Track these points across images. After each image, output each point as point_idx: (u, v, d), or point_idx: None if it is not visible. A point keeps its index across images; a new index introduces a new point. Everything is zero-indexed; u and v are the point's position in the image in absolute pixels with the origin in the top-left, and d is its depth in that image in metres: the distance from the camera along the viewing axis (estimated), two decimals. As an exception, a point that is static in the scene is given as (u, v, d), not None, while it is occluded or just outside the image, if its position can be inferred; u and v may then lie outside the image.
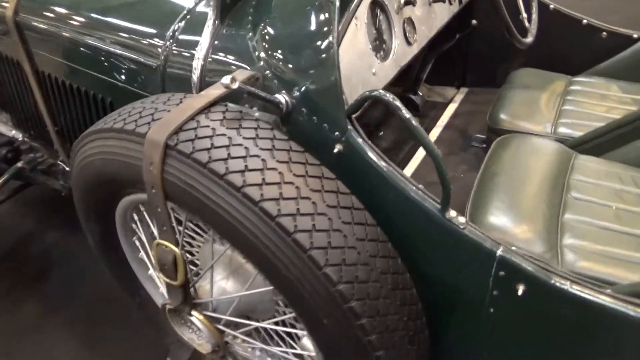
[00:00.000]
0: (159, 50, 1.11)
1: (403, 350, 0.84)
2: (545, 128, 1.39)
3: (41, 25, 1.40)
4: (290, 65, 0.91)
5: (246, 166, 0.77)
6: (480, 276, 0.83)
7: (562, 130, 1.37)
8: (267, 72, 0.93)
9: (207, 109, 0.85)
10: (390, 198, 0.86)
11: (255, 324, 1.00)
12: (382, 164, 0.85)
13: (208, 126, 0.81)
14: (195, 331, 1.04)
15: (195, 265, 1.14)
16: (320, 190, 0.79)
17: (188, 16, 1.10)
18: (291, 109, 0.89)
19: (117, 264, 1.21)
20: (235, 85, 0.82)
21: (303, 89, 0.88)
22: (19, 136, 1.92)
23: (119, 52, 1.18)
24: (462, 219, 0.83)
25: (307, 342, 1.02)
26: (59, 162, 1.82)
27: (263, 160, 0.78)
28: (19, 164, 1.86)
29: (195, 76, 1.03)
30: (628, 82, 1.54)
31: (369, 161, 0.85)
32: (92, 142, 0.94)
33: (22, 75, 1.61)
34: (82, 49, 1.31)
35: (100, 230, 1.13)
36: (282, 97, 0.88)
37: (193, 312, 0.97)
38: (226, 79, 0.81)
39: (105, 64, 1.26)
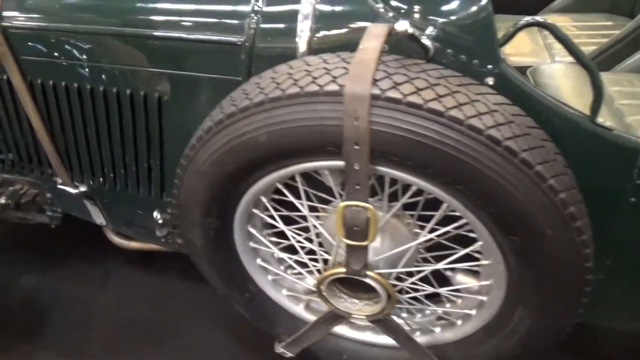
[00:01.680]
0: (244, 26, 1.02)
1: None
2: (547, 59, 1.54)
3: (46, 25, 1.21)
4: (430, 10, 0.91)
5: (458, 102, 0.77)
6: (625, 169, 0.93)
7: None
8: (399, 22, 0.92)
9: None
10: (544, 118, 0.91)
11: (430, 267, 0.99)
12: (531, 88, 0.90)
13: (397, 73, 0.79)
14: (360, 296, 1.01)
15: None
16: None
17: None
18: (434, 54, 0.90)
19: (227, 259, 1.11)
20: (410, 30, 0.80)
21: (449, 30, 0.89)
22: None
23: (186, 36, 1.07)
24: (609, 123, 0.91)
25: (462, 277, 1.04)
26: (51, 187, 1.58)
27: (465, 94, 0.79)
28: (2, 200, 1.58)
29: (302, 45, 0.98)
30: (582, 14, 1.76)
31: (522, 87, 0.90)
32: (240, 122, 0.85)
33: (7, 91, 1.36)
34: (119, 42, 1.16)
35: (218, 225, 1.03)
36: (428, 42, 0.89)
37: (368, 273, 0.94)
38: (402, 25, 0.80)
39: (158, 54, 1.14)
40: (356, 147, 0.78)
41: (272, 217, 1.04)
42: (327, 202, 1.03)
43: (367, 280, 0.94)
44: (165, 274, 1.93)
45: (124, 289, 1.90)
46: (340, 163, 0.82)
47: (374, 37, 0.83)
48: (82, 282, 1.90)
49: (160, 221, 1.42)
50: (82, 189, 1.49)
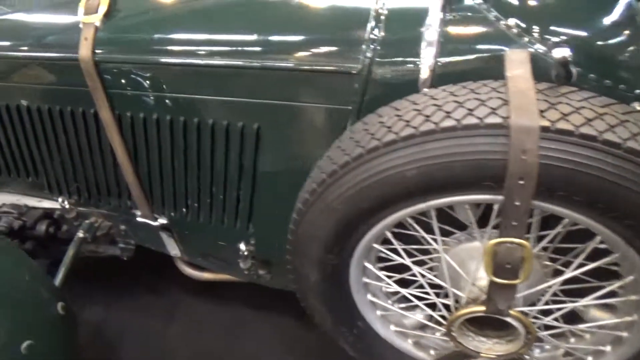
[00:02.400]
0: (359, 54, 0.98)
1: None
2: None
3: (140, 58, 1.17)
4: (570, 33, 0.86)
5: (631, 133, 0.71)
6: None
7: None
8: (537, 47, 0.87)
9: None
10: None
11: (576, 304, 0.93)
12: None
13: (560, 102, 0.74)
14: (487, 333, 0.95)
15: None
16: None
17: (383, 15, 0.98)
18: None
19: (339, 295, 1.05)
20: (569, 57, 0.75)
21: (593, 54, 0.84)
22: (58, 204, 1.59)
23: (294, 66, 1.03)
24: None
25: (598, 312, 0.97)
26: (126, 220, 1.54)
27: (635, 123, 0.74)
28: (80, 235, 1.53)
29: (424, 73, 0.93)
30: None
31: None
32: (383, 157, 0.80)
33: (92, 125, 1.33)
34: (217, 74, 1.12)
35: (337, 261, 0.98)
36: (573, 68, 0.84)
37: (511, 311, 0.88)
38: (560, 52, 0.75)
39: (261, 85, 1.09)
40: (521, 182, 0.73)
41: (392, 250, 0.98)
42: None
43: (508, 319, 0.88)
44: (234, 304, 1.87)
45: (193, 321, 1.84)
46: (495, 197, 0.77)
47: (518, 64, 0.79)
48: (149, 314, 1.85)
49: (245, 253, 1.37)
50: (162, 221, 1.45)
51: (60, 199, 1.54)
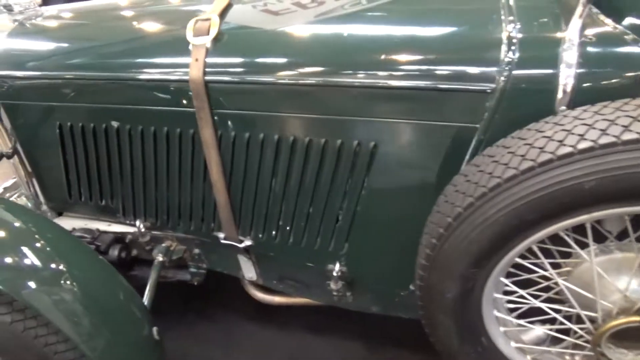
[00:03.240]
0: (494, 74, 1.00)
1: None
2: None
3: (251, 79, 1.17)
4: None
5: None
6: None
7: None
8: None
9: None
10: None
11: None
12: None
13: None
14: (627, 345, 0.95)
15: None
16: None
17: (516, 38, 1.01)
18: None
19: (470, 311, 1.05)
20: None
21: None
22: (131, 227, 1.54)
23: (424, 85, 1.05)
24: None
25: None
26: (201, 243, 1.50)
27: None
28: (159, 258, 1.49)
29: (560, 93, 0.96)
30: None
31: None
32: (557, 170, 0.82)
33: (188, 146, 1.31)
34: (334, 92, 1.13)
35: (479, 277, 0.98)
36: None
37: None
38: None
39: (383, 103, 1.11)
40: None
41: (534, 265, 0.99)
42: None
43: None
44: (298, 329, 1.83)
45: (256, 348, 1.79)
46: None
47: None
48: (208, 342, 1.79)
49: (337, 274, 1.35)
50: (247, 243, 1.42)
51: (137, 222, 1.49)
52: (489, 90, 1.00)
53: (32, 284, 1.06)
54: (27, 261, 1.08)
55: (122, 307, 1.18)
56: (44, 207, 1.64)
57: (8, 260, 1.06)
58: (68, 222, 1.57)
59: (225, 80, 1.18)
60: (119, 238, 1.53)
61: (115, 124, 1.34)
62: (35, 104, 1.40)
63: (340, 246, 1.32)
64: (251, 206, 1.35)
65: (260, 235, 1.39)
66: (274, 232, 1.37)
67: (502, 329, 1.09)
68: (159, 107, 1.28)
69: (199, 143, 1.29)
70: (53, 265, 1.09)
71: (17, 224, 1.13)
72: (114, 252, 1.50)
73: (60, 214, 1.64)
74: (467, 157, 1.08)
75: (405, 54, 1.07)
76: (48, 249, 1.11)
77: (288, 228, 1.35)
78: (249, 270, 1.53)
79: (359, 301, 1.45)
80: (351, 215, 1.26)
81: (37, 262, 1.08)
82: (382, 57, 1.08)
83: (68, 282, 1.08)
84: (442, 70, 1.03)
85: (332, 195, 1.25)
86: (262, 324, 1.84)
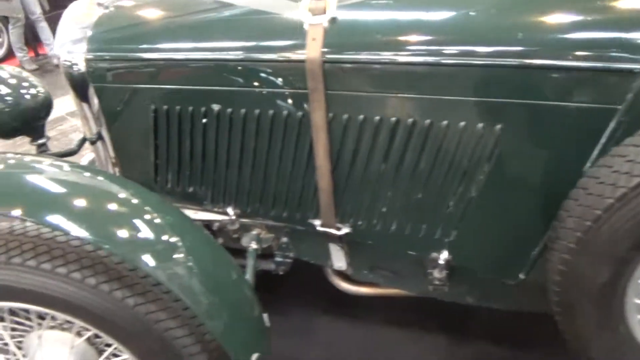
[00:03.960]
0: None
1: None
2: None
3: (374, 59, 1.13)
4: None
5: None
6: None
7: None
8: None
9: None
10: None
11: None
12: None
13: None
14: None
15: None
16: None
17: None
18: None
19: (615, 297, 1.01)
20: None
21: None
22: (219, 215, 1.50)
23: (567, 65, 1.01)
24: None
25: None
26: (292, 231, 1.46)
27: None
28: (253, 246, 1.45)
29: None
30: None
31: None
32: None
33: (293, 129, 1.27)
34: (463, 72, 1.09)
35: (633, 262, 0.94)
36: None
37: None
38: None
39: (518, 83, 1.07)
40: None
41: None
42: None
43: None
44: (373, 320, 1.79)
45: (331, 338, 1.75)
46: None
47: None
48: (282, 333, 1.74)
49: (443, 262, 1.31)
50: (345, 230, 1.38)
51: (229, 209, 1.45)
52: (636, 70, 0.96)
53: (151, 257, 1.02)
54: (144, 234, 1.03)
55: (236, 288, 1.14)
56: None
57: (127, 233, 1.02)
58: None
59: (344, 59, 1.14)
60: (206, 226, 1.49)
61: (216, 107, 1.30)
62: (131, 86, 1.36)
63: (447, 233, 1.28)
64: (356, 192, 1.31)
65: (360, 223, 1.35)
66: (376, 219, 1.33)
67: (638, 317, 1.05)
68: (268, 89, 1.24)
69: (306, 126, 1.25)
70: (171, 239, 1.05)
71: (131, 199, 1.08)
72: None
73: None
74: (604, 140, 1.04)
75: (544, 33, 1.03)
76: (162, 222, 1.07)
77: (393, 215, 1.31)
78: (339, 260, 1.48)
79: (455, 291, 1.41)
80: (465, 202, 1.22)
81: (155, 236, 1.04)
82: (519, 35, 1.04)
83: (185, 257, 1.04)
84: (586, 50, 1.00)
85: (447, 180, 1.21)
86: (338, 315, 1.80)
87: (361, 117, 1.19)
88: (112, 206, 1.05)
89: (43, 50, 5.83)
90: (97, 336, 1.15)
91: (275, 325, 1.80)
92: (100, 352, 1.19)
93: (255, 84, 1.24)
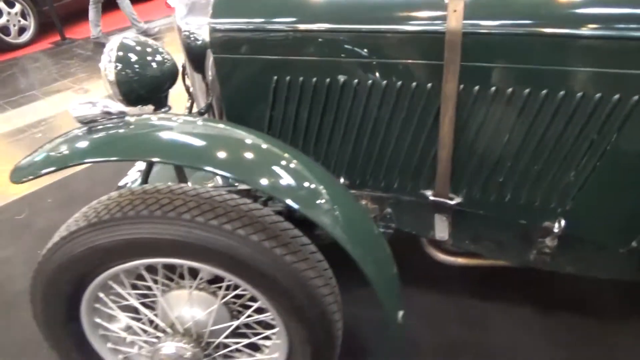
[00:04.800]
0: None
1: None
2: None
3: (514, 29, 1.17)
4: None
5: None
6: None
7: None
8: None
9: None
10: None
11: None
12: None
13: None
14: None
15: None
16: None
17: None
18: None
19: None
20: None
21: None
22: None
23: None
24: None
25: None
26: (397, 202, 1.51)
27: None
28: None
29: None
30: None
31: None
32: None
33: (419, 100, 1.31)
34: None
35: None
36: None
37: None
38: None
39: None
40: None
41: None
42: None
43: None
44: (465, 291, 1.84)
45: (426, 307, 1.80)
46: None
47: None
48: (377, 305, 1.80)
49: (556, 231, 1.36)
50: (458, 200, 1.43)
51: (341, 180, 1.49)
52: None
53: (315, 202, 1.06)
54: (296, 181, 1.07)
55: (379, 242, 1.18)
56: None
57: (293, 179, 1.06)
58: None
59: (483, 31, 1.18)
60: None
61: (342, 77, 1.34)
62: (254, 57, 1.39)
63: (564, 203, 1.33)
64: (475, 162, 1.35)
65: (474, 193, 1.40)
66: (491, 190, 1.38)
67: None
68: (398, 61, 1.27)
69: (434, 97, 1.29)
70: (319, 188, 1.08)
71: (278, 150, 1.12)
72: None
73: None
74: None
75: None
76: (308, 172, 1.10)
77: (509, 185, 1.35)
78: (441, 230, 1.53)
79: (558, 261, 1.46)
80: (587, 172, 1.27)
81: (307, 183, 1.08)
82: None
83: (334, 205, 1.08)
84: None
85: (572, 151, 1.25)
86: (431, 286, 1.85)
87: (493, 89, 1.23)
88: (268, 155, 1.09)
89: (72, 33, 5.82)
90: (237, 297, 1.20)
91: (369, 295, 1.88)
92: (233, 314, 1.24)
93: (386, 55, 1.28)
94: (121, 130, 1.04)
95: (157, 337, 1.24)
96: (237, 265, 1.08)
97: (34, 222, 2.48)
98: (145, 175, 1.48)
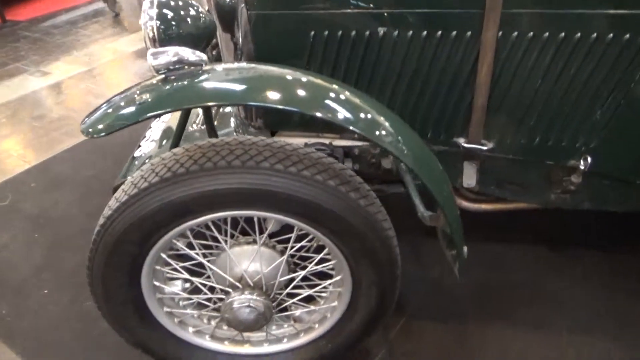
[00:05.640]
0: None
1: None
2: None
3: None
4: None
5: None
6: None
7: None
8: None
9: None
10: None
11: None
12: None
13: None
14: None
15: None
16: None
17: None
18: None
19: None
20: None
21: None
22: (359, 142, 1.58)
23: None
24: None
25: None
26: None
27: None
28: (403, 166, 1.54)
29: None
30: None
31: None
32: None
33: (457, 49, 1.35)
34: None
35: None
36: None
37: None
38: None
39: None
40: None
41: None
42: None
43: None
44: (482, 234, 1.93)
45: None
46: None
47: None
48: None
49: (582, 168, 1.46)
50: (490, 146, 1.50)
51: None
52: None
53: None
54: (368, 113, 1.10)
55: (446, 179, 1.23)
56: (252, 129, 1.62)
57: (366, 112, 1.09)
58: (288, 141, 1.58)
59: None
60: (346, 152, 1.56)
61: (381, 30, 1.36)
62: (291, 12, 1.38)
63: (589, 141, 1.43)
64: (508, 108, 1.42)
65: (506, 137, 1.47)
66: (522, 133, 1.46)
67: None
68: (440, 10, 1.31)
69: (472, 45, 1.34)
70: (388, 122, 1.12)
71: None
72: (348, 165, 1.54)
73: (273, 134, 1.63)
74: None
75: None
76: (369, 106, 1.14)
77: (539, 128, 1.44)
78: (470, 177, 1.60)
79: (577, 198, 1.57)
80: (612, 110, 1.37)
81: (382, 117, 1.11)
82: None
83: (397, 135, 1.12)
84: None
85: (599, 91, 1.35)
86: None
87: (530, 34, 1.30)
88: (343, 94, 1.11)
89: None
90: (297, 250, 1.22)
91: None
92: (290, 267, 1.26)
93: (428, 4, 1.31)
94: (204, 77, 1.02)
95: (225, 293, 1.24)
96: (314, 211, 1.09)
97: (22, 208, 2.36)
98: (210, 126, 1.45)
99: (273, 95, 1.02)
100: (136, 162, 1.71)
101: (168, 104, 0.99)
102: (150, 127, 1.95)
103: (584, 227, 1.96)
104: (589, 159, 1.44)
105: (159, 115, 0.99)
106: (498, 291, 1.73)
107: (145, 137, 1.87)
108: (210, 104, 1.01)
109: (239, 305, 1.19)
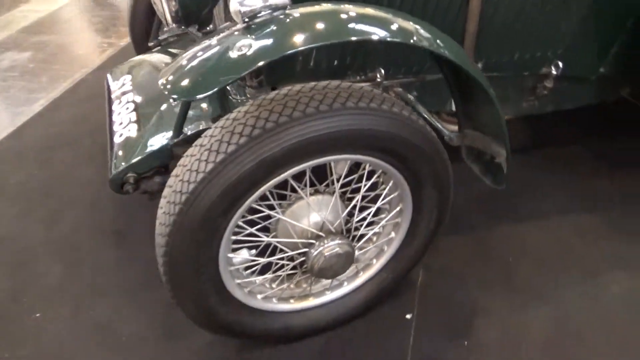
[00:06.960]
0: None
1: None
2: None
3: None
4: None
5: None
6: None
7: None
8: None
9: None
10: None
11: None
12: None
13: None
14: None
15: None
16: None
17: None
18: None
19: None
20: None
21: None
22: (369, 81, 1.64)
23: None
24: None
25: None
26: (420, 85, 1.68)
27: None
28: (410, 97, 1.62)
29: None
30: None
31: None
32: None
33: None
34: None
35: None
36: None
37: None
38: None
39: None
40: None
41: None
42: None
43: None
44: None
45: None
46: None
47: None
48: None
49: (554, 73, 1.69)
50: (479, 67, 1.65)
51: (380, 73, 1.59)
52: None
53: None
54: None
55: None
56: (249, 89, 1.58)
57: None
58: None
59: None
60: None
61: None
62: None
63: (556, 50, 1.65)
64: (495, 31, 1.56)
65: (491, 58, 1.63)
66: (505, 52, 1.62)
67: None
68: None
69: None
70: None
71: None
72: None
73: (274, 89, 1.60)
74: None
75: None
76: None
77: (518, 45, 1.61)
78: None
79: (543, 103, 1.81)
80: (573, 23, 1.59)
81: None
82: None
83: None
84: None
85: (565, 8, 1.55)
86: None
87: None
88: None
89: None
90: (352, 192, 1.25)
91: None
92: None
93: None
94: (290, 19, 0.98)
95: (307, 246, 1.23)
96: (395, 142, 1.13)
97: (5, 179, 2.17)
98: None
99: (379, 31, 1.02)
100: (124, 148, 1.54)
101: (280, 49, 0.94)
102: (114, 112, 1.76)
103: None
104: (560, 64, 1.65)
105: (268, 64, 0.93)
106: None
107: (113, 122, 1.70)
108: (352, 38, 0.97)
109: (329, 253, 1.19)
